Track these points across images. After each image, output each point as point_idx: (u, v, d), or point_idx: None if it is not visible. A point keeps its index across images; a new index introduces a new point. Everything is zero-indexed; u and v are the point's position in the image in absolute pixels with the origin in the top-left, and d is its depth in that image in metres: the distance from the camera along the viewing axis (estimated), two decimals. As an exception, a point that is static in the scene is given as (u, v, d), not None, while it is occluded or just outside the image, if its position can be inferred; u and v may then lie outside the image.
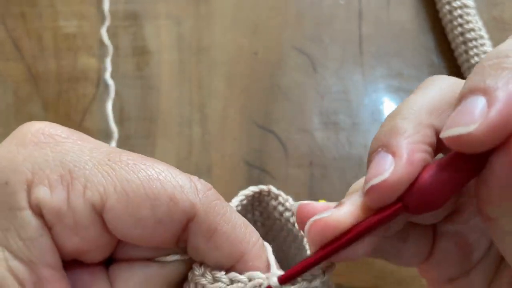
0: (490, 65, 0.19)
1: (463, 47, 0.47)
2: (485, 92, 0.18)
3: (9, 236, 0.20)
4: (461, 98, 0.19)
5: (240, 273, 0.21)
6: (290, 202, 0.30)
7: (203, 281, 0.21)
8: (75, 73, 0.48)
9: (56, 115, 0.46)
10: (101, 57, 0.48)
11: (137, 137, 0.46)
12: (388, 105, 0.48)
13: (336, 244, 0.20)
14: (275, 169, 0.45)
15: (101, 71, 0.48)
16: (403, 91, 0.48)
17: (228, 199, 0.44)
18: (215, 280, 0.21)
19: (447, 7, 0.48)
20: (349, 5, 0.51)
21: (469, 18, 0.47)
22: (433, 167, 0.20)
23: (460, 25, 0.47)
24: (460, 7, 0.48)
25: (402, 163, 0.20)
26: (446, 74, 0.48)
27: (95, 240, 0.21)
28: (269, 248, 0.23)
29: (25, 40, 0.48)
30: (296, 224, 0.28)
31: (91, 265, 0.22)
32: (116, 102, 0.47)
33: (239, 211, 0.29)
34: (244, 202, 0.30)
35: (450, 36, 0.48)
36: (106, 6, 0.49)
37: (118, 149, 0.22)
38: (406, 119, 0.21)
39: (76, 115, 0.46)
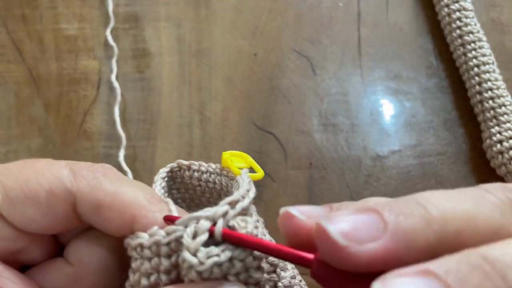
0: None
1: (461, 49, 0.47)
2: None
3: None
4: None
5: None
6: (204, 165, 0.30)
7: (140, 240, 0.22)
8: (76, 75, 0.48)
9: (57, 117, 0.47)
10: (102, 59, 0.48)
11: (138, 139, 0.46)
12: (386, 107, 0.48)
13: (252, 240, 0.20)
14: (274, 170, 0.45)
15: (102, 73, 0.48)
16: (402, 93, 0.48)
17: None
18: (151, 235, 0.22)
19: (446, 9, 0.48)
20: (348, 8, 0.51)
21: (467, 20, 0.47)
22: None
23: (459, 27, 0.47)
24: (459, 10, 0.48)
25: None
26: (444, 76, 0.49)
27: (15, 237, 0.24)
28: (169, 201, 0.24)
29: (26, 42, 0.49)
30: (217, 179, 0.29)
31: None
32: (117, 105, 0.47)
33: (163, 195, 0.30)
34: (163, 184, 0.30)
35: (448, 39, 0.49)
36: (110, 7, 0.49)
37: (12, 162, 0.25)
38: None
39: (77, 117, 0.47)
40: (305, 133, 0.47)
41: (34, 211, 0.23)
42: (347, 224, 0.18)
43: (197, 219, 0.21)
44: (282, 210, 0.21)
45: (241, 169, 0.29)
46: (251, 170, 0.30)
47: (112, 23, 0.49)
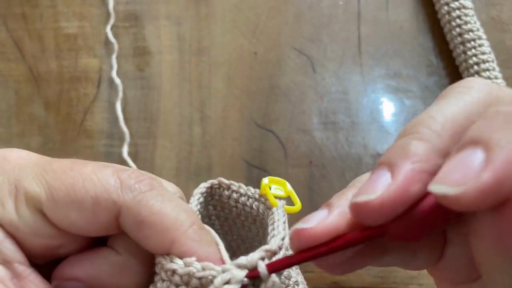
0: (506, 113, 0.18)
1: (461, 47, 0.47)
2: (487, 147, 0.17)
3: None
4: (460, 147, 0.18)
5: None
6: (243, 187, 0.31)
7: (174, 266, 0.22)
8: (76, 74, 0.48)
9: (57, 115, 0.47)
10: (102, 58, 0.48)
11: (138, 137, 0.46)
12: (386, 105, 0.48)
13: (315, 251, 0.20)
14: (274, 168, 0.45)
15: (102, 71, 0.48)
16: (402, 91, 0.48)
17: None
18: (187, 265, 0.22)
19: (446, 8, 0.48)
20: (348, 6, 0.51)
21: (467, 19, 0.47)
22: (423, 204, 0.19)
23: (459, 25, 0.47)
24: (459, 8, 0.48)
25: (395, 189, 0.19)
26: (444, 75, 0.49)
27: (56, 236, 0.24)
28: (213, 231, 0.24)
29: (26, 40, 0.49)
30: (254, 205, 0.30)
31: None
32: (117, 103, 0.47)
33: (199, 209, 0.30)
34: (201, 199, 0.31)
35: (448, 37, 0.49)
36: (111, 4, 0.49)
37: (56, 159, 0.25)
38: (422, 142, 0.20)
39: (77, 115, 0.47)
40: (305, 132, 0.47)
41: (77, 216, 0.23)
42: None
43: (238, 266, 0.22)
44: (290, 232, 0.21)
45: (278, 199, 0.29)
46: (289, 199, 0.29)
47: (112, 20, 0.49)
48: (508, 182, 0.16)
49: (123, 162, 0.45)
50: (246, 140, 0.46)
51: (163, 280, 0.23)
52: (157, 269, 0.23)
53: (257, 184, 0.46)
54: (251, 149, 0.46)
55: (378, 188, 0.19)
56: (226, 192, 0.31)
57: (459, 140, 0.19)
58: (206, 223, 0.31)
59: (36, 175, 0.24)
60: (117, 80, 0.47)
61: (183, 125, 0.47)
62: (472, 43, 0.47)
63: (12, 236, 0.23)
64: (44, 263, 0.25)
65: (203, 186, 0.31)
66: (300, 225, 0.21)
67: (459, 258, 0.23)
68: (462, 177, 0.16)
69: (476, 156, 0.17)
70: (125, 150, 0.45)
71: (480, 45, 0.46)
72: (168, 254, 0.23)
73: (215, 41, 0.49)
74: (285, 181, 0.29)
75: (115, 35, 0.49)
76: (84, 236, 0.24)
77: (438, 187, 0.17)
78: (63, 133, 0.46)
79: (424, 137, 0.20)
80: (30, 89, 0.47)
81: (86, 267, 0.24)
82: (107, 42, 0.49)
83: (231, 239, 0.34)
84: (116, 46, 0.48)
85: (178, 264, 0.22)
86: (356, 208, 0.19)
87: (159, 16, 0.50)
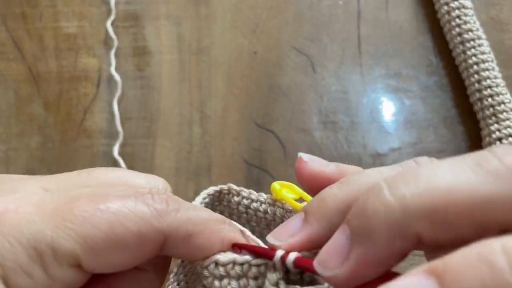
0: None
1: (461, 47, 0.47)
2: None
3: None
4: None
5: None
6: (254, 193, 0.31)
7: (234, 256, 0.23)
8: (76, 73, 0.48)
9: (56, 115, 0.47)
10: (102, 57, 0.48)
11: (137, 137, 0.46)
12: (386, 105, 0.48)
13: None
14: (274, 168, 0.45)
15: (101, 71, 0.48)
16: (402, 90, 0.48)
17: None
18: (233, 265, 0.23)
19: (445, 7, 0.48)
20: (348, 6, 0.51)
21: (467, 18, 0.47)
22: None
23: (458, 25, 0.48)
24: (458, 8, 0.48)
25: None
26: (444, 74, 0.49)
27: (90, 277, 0.23)
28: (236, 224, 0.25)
29: (26, 40, 0.49)
30: (270, 210, 0.30)
31: None
32: (117, 102, 0.47)
33: None
34: (206, 200, 0.31)
35: (448, 37, 0.49)
36: (112, 1, 0.49)
37: (62, 198, 0.22)
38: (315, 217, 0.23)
39: (76, 114, 0.47)
40: (305, 131, 0.47)
41: (120, 256, 0.22)
42: None
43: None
44: (299, 155, 0.25)
45: (297, 200, 0.29)
46: (301, 199, 0.30)
47: (113, 16, 0.48)
48: (361, 272, 0.19)
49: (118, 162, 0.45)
50: (246, 139, 0.46)
51: (221, 278, 0.23)
52: (206, 272, 0.24)
53: (257, 184, 0.46)
54: (251, 148, 0.46)
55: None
56: (236, 198, 0.31)
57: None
58: None
59: (57, 227, 0.21)
60: (117, 77, 0.47)
61: (183, 124, 0.47)
62: (472, 42, 0.47)
63: None
64: None
65: (212, 189, 0.31)
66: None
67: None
68: (335, 264, 0.20)
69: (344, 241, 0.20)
70: (116, 149, 0.45)
71: (479, 45, 0.46)
72: (215, 253, 0.24)
73: (215, 40, 0.49)
74: (292, 184, 0.30)
75: (115, 35, 0.49)
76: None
77: (321, 270, 0.20)
78: (63, 132, 0.46)
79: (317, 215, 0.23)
80: (30, 88, 0.47)
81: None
82: (106, 42, 0.49)
83: None
84: (116, 42, 0.48)
85: (234, 256, 0.23)
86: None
87: (159, 16, 0.50)
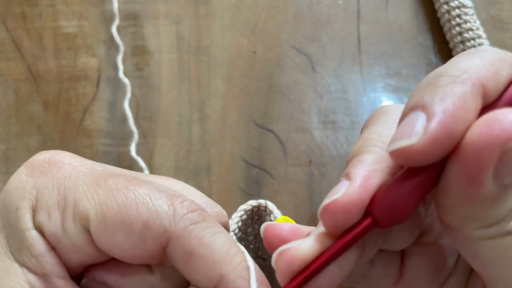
0: (426, 85, 0.20)
1: (461, 46, 0.47)
2: (424, 107, 0.19)
3: (23, 254, 0.22)
4: (403, 116, 0.20)
5: None
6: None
7: None
8: (76, 73, 0.48)
9: (56, 114, 0.47)
10: (102, 57, 0.48)
11: (137, 136, 0.46)
12: (386, 104, 0.48)
13: (305, 274, 0.20)
14: (274, 168, 0.45)
15: (101, 70, 0.48)
16: (401, 90, 0.48)
17: (227, 197, 0.45)
18: None
19: (445, 6, 0.48)
20: (347, 5, 0.51)
21: (467, 17, 0.47)
22: (391, 182, 0.20)
23: (458, 24, 0.47)
24: (458, 7, 0.48)
25: (354, 184, 0.21)
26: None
27: (95, 256, 0.23)
28: (252, 268, 0.23)
29: (25, 39, 0.49)
30: None
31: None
32: (116, 102, 0.47)
33: (240, 227, 0.30)
34: (244, 217, 0.30)
35: (448, 36, 0.49)
36: (115, 4, 0.49)
37: (110, 172, 0.24)
38: (370, 154, 0.22)
39: (76, 114, 0.47)
40: (305, 131, 0.47)
41: (124, 238, 0.22)
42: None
43: None
44: (277, 252, 0.21)
45: None
46: None
47: (117, 21, 0.48)
48: (453, 128, 0.18)
49: (121, 162, 0.45)
50: (246, 139, 0.46)
51: None
52: None
53: (256, 184, 0.46)
54: (250, 148, 0.46)
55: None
56: (268, 218, 0.31)
57: None
58: (243, 240, 0.31)
59: (89, 189, 0.22)
60: (125, 80, 0.47)
61: (182, 124, 0.47)
62: (472, 42, 0.47)
63: (53, 248, 0.22)
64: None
65: (250, 204, 0.31)
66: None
67: (420, 270, 0.24)
68: (411, 132, 0.18)
69: (418, 116, 0.19)
70: (133, 149, 0.45)
71: (479, 44, 0.46)
72: None
73: (214, 40, 0.49)
74: (288, 217, 0.30)
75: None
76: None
77: (394, 145, 0.19)
78: (62, 132, 0.46)
79: (370, 151, 0.22)
80: (29, 88, 0.47)
81: (119, 278, 0.24)
82: (106, 42, 0.48)
83: (261, 259, 0.34)
84: (122, 48, 0.48)
85: None
86: (325, 211, 0.20)
87: (158, 15, 0.50)
